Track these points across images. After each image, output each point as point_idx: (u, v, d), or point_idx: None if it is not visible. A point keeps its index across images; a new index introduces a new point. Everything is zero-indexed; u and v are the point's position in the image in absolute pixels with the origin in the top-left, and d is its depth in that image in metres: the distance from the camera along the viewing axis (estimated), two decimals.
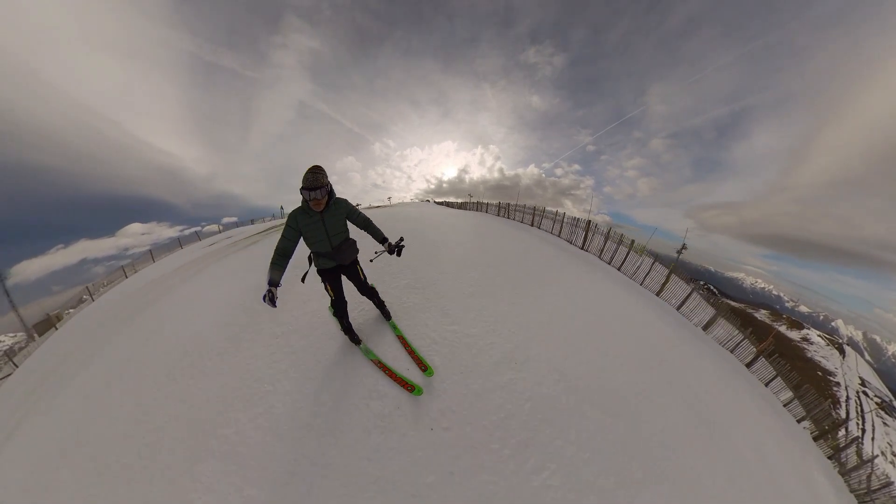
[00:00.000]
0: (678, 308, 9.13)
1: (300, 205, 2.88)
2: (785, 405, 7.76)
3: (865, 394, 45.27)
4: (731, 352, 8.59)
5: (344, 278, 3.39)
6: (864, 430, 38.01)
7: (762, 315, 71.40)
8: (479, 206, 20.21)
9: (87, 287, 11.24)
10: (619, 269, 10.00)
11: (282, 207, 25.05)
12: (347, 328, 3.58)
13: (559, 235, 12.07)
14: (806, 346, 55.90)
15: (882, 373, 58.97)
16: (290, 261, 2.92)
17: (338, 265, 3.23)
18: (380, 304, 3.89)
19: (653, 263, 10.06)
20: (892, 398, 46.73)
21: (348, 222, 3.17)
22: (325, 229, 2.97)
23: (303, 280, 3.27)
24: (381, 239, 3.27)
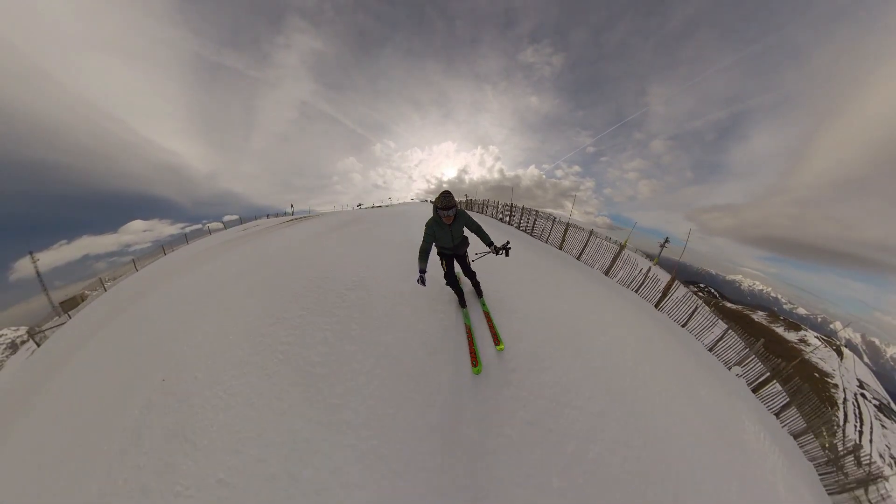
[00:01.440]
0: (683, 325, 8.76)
1: (433, 216, 4.05)
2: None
3: (864, 396, 45.37)
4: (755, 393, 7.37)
5: (455, 264, 4.64)
6: (861, 433, 38.09)
7: (760, 317, 71.51)
8: (470, 206, 19.70)
9: (100, 278, 11.70)
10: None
11: (292, 206, 27.64)
12: (459, 293, 4.81)
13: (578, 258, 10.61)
14: (803, 348, 56.02)
15: (881, 375, 58.99)
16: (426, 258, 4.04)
17: (453, 253, 4.42)
18: (475, 284, 4.98)
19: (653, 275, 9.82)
20: (891, 400, 46.84)
21: (465, 228, 4.19)
22: (451, 236, 4.16)
23: (506, 255, 4.13)
24: (488, 243, 4.17)
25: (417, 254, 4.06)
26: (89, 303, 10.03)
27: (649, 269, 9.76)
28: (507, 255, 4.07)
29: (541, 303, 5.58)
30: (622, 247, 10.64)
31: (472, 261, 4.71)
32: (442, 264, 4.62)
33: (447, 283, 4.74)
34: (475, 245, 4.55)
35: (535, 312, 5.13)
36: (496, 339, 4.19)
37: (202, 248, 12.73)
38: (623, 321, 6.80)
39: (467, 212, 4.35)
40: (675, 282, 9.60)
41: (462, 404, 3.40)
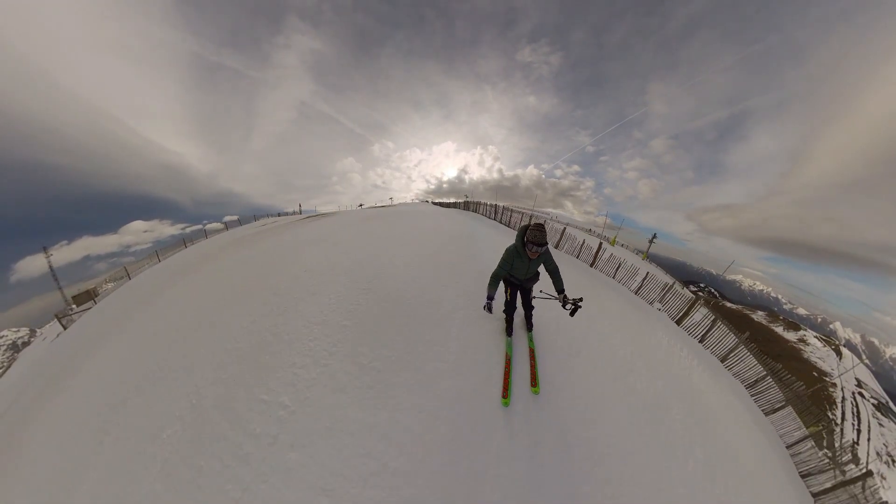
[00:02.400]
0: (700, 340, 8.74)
1: (516, 244, 3.88)
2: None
3: (862, 395, 45.50)
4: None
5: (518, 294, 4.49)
6: (859, 431, 38.22)
7: (759, 316, 71.64)
8: (467, 206, 20.73)
9: (124, 267, 12.65)
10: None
11: (300, 206, 28.92)
12: (509, 322, 4.61)
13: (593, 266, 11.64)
14: (802, 348, 56.15)
15: (880, 376, 59.12)
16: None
17: (520, 284, 4.30)
18: (528, 316, 4.76)
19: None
20: (889, 400, 46.94)
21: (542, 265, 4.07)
22: (527, 269, 4.01)
23: (571, 314, 3.94)
24: (559, 289, 4.04)
25: (489, 279, 4.02)
26: (114, 290, 10.82)
27: (672, 285, 10.09)
28: (572, 313, 3.83)
29: (585, 338, 5.27)
30: (611, 242, 11.21)
31: (534, 297, 4.58)
32: (506, 292, 4.49)
33: (505, 311, 4.63)
34: (543, 283, 4.43)
35: (582, 349, 4.94)
36: (533, 381, 3.94)
37: (219, 244, 13.37)
38: (672, 359, 6.61)
39: (550, 250, 4.19)
40: (698, 302, 9.60)
41: (483, 430, 3.33)
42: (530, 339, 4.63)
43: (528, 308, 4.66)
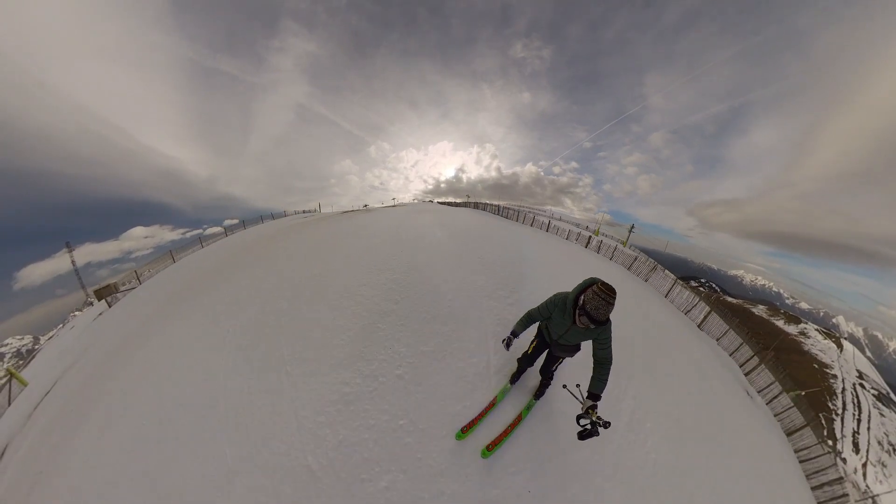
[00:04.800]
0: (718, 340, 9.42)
1: (566, 297, 2.88)
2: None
3: (862, 386, 45.76)
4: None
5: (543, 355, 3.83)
6: (860, 421, 38.54)
7: (760, 310, 71.87)
8: (476, 205, 22.70)
9: (170, 251, 13.47)
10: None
11: (319, 205, 29.91)
12: (519, 371, 4.15)
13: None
14: (803, 340, 56.39)
15: (883, 369, 59.27)
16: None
17: (551, 344, 3.47)
18: (543, 386, 4.04)
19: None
20: (890, 391, 47.17)
21: (592, 341, 2.92)
22: (567, 333, 3.05)
23: (581, 435, 2.71)
24: (594, 393, 2.83)
25: (522, 316, 3.37)
26: (156, 274, 11.85)
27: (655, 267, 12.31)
28: (583, 435, 2.64)
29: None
30: (595, 233, 12.49)
31: (564, 386, 3.18)
32: (532, 342, 3.78)
33: (519, 359, 4.06)
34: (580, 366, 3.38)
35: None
36: (492, 445, 3.47)
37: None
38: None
39: (610, 329, 2.83)
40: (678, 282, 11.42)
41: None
42: (528, 407, 3.95)
43: (546, 377, 3.88)
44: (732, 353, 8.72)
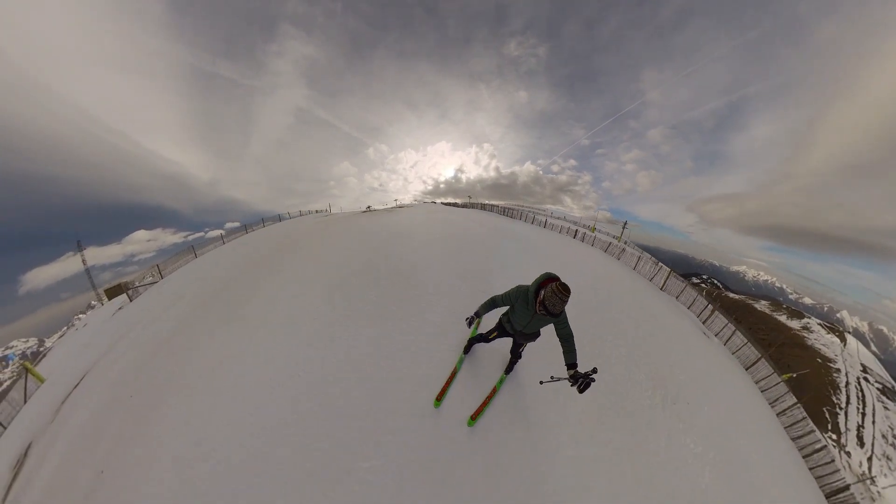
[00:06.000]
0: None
1: (528, 289, 3.15)
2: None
3: (866, 380, 45.55)
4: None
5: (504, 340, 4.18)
6: (864, 414, 38.34)
7: (762, 306, 71.61)
8: (483, 206, 25.01)
9: (192, 247, 13.76)
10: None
11: (329, 206, 30.31)
12: (472, 342, 4.60)
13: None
14: (806, 335, 56.17)
15: (888, 363, 58.97)
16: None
17: (514, 334, 3.77)
18: (512, 363, 4.41)
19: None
20: (895, 384, 46.92)
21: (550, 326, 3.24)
22: (530, 323, 3.38)
23: (581, 390, 2.92)
24: (570, 363, 3.06)
25: (486, 300, 3.57)
26: (179, 268, 12.04)
27: (641, 256, 13.83)
28: (582, 389, 2.85)
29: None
30: (591, 230, 13.73)
31: (541, 381, 3.50)
32: (494, 331, 3.97)
33: (472, 338, 4.52)
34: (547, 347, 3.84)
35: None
36: (475, 414, 3.91)
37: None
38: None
39: (567, 314, 3.11)
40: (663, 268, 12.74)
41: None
42: (501, 381, 4.46)
43: (515, 356, 4.31)
44: (689, 306, 10.95)
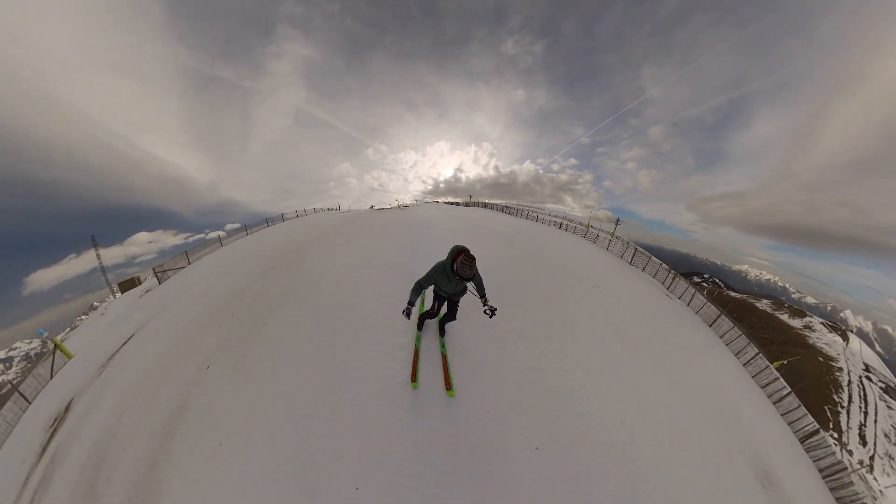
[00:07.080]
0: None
1: (445, 264, 3.93)
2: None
3: (869, 379, 45.29)
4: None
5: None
6: (866, 413, 38.13)
7: (764, 305, 71.29)
8: (485, 205, 27.75)
9: (219, 237, 15.39)
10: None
11: (339, 204, 30.34)
12: (424, 318, 5.06)
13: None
14: (808, 334, 55.89)
15: (893, 363, 58.46)
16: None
17: (448, 297, 4.40)
18: (445, 321, 4.87)
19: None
20: None
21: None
22: (454, 287, 4.10)
23: (490, 315, 3.98)
24: (482, 295, 4.19)
25: (413, 286, 3.99)
26: (205, 256, 13.40)
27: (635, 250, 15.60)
28: (491, 315, 3.91)
29: (509, 351, 5.31)
30: (587, 227, 15.06)
31: (456, 309, 4.66)
32: (434, 305, 4.70)
33: (422, 314, 5.04)
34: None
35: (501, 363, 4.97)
36: (447, 384, 4.17)
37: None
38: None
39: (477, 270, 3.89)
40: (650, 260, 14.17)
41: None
42: (442, 345, 4.78)
43: (451, 318, 4.70)
44: (654, 275, 13.47)
